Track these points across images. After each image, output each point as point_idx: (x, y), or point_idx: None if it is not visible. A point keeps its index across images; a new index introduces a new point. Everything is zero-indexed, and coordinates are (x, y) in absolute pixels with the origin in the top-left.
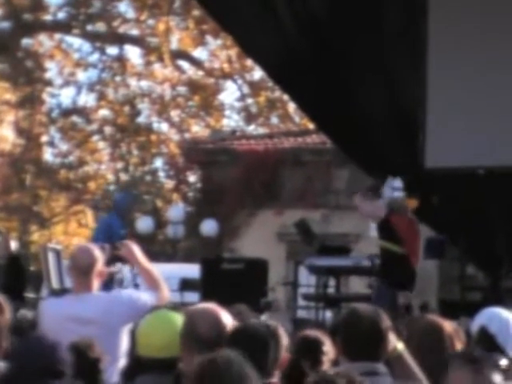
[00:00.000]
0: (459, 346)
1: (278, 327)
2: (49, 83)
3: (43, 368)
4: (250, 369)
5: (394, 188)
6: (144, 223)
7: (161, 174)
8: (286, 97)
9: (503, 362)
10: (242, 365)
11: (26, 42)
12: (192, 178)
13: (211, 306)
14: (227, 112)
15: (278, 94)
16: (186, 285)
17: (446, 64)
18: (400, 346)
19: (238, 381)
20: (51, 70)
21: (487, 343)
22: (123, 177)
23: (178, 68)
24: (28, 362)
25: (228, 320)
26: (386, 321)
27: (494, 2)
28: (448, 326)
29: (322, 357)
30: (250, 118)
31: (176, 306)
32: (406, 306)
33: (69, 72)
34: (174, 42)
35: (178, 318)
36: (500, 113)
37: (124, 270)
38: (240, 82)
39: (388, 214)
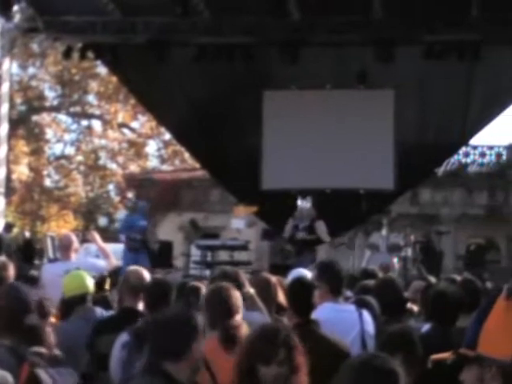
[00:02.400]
0: (281, 291)
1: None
2: (48, 141)
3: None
4: (235, 292)
5: (306, 203)
6: (103, 221)
7: (112, 193)
8: (183, 149)
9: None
10: (229, 289)
11: (34, 117)
12: (130, 195)
13: (140, 268)
14: (150, 158)
15: (178, 147)
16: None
17: (278, 125)
18: (252, 290)
19: (225, 300)
20: (49, 133)
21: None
22: (90, 194)
23: (122, 133)
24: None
25: (147, 275)
26: (242, 276)
27: (311, 102)
28: (273, 279)
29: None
30: (163, 161)
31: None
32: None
33: (59, 135)
34: (120, 118)
35: (85, 274)
36: (313, 154)
37: (90, 247)
38: (157, 140)
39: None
